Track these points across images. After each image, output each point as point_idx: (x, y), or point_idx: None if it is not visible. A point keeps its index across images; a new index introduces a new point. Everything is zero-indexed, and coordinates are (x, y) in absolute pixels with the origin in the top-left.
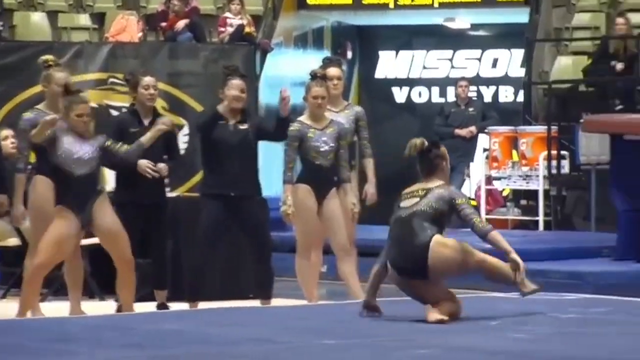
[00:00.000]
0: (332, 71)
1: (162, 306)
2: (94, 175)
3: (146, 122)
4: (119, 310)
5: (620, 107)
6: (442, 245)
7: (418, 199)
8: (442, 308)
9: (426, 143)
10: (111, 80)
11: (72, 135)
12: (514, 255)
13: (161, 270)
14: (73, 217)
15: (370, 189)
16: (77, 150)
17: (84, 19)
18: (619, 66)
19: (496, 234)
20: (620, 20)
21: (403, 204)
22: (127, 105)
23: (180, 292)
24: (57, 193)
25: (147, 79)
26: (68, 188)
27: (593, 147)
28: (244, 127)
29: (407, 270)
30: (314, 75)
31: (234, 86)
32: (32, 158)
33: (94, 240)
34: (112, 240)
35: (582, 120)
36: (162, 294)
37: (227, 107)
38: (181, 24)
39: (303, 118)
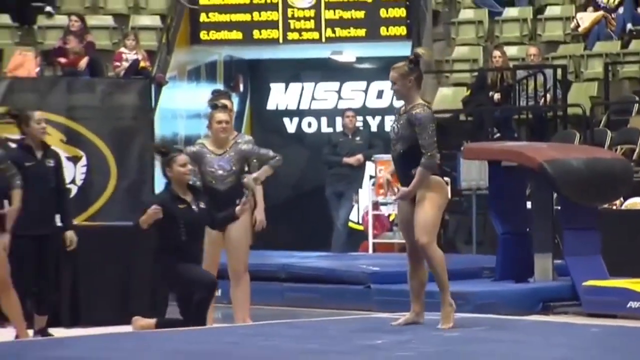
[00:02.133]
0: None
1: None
2: None
3: (39, 155)
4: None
5: (497, 135)
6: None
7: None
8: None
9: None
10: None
11: None
12: (409, 189)
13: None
14: None
15: (259, 215)
16: None
17: None
18: (497, 97)
19: (420, 171)
20: (496, 53)
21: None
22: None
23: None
24: None
25: (38, 114)
26: None
27: (473, 173)
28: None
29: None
30: (214, 105)
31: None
32: None
33: None
34: None
35: (462, 148)
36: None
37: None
38: (83, 63)
39: (205, 141)
